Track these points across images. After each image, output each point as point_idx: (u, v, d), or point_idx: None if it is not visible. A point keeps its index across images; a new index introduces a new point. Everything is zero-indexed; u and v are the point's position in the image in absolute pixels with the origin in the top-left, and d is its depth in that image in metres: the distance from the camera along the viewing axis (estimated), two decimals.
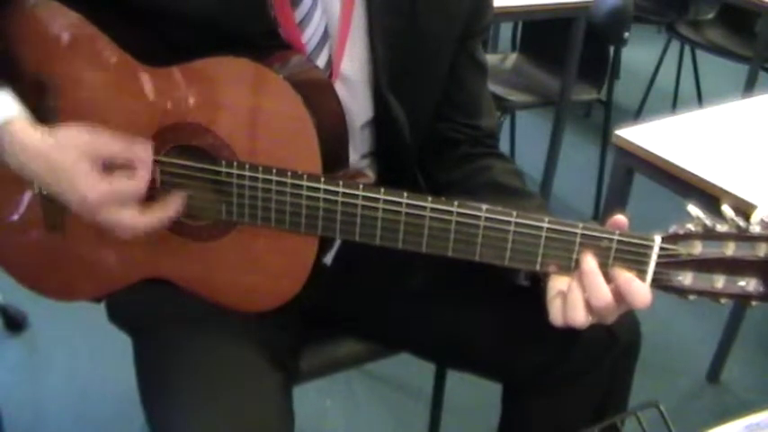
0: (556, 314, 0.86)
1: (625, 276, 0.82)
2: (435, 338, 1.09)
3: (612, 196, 1.49)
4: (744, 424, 0.77)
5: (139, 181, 0.86)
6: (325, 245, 0.94)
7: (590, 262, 0.83)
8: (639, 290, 0.82)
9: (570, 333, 1.00)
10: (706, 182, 1.26)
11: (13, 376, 1.87)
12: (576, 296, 0.84)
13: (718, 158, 1.34)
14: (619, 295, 0.82)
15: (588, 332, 1.00)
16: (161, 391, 0.91)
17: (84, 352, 1.91)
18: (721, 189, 1.24)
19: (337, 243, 1.05)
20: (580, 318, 0.83)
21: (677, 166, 1.31)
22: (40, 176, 0.86)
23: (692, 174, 1.29)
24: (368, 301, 1.09)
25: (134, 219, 0.86)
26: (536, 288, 0.91)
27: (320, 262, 0.96)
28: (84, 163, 0.84)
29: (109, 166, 0.85)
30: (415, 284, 1.08)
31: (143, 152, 0.86)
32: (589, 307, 0.83)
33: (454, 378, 1.38)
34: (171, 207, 0.89)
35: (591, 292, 0.83)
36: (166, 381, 0.91)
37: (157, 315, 0.98)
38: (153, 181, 0.91)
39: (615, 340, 1.02)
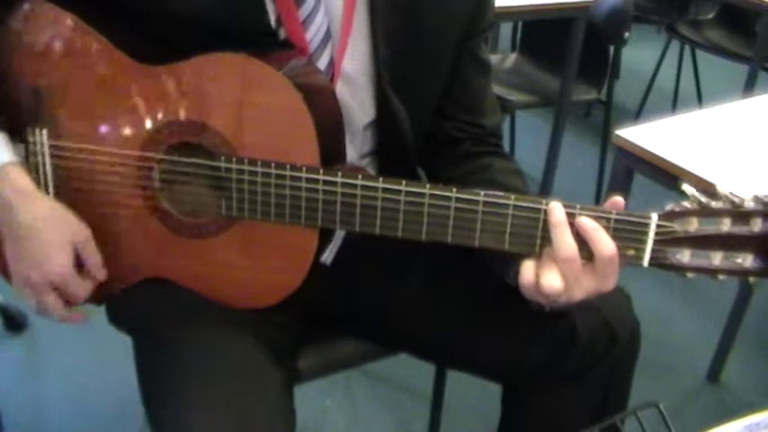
0: (528, 275, 0.86)
1: (592, 224, 0.82)
2: (435, 338, 1.09)
3: (612, 196, 1.48)
4: (744, 424, 0.77)
5: (84, 293, 0.95)
6: (324, 239, 0.94)
7: (558, 215, 0.83)
8: (606, 239, 0.82)
9: (570, 333, 1.00)
10: (706, 182, 1.26)
11: (13, 376, 1.87)
12: (549, 257, 0.84)
13: (718, 158, 1.34)
14: (585, 253, 0.82)
15: (588, 332, 1.01)
16: (163, 390, 0.91)
17: (84, 352, 1.91)
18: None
19: (338, 242, 1.05)
20: (553, 278, 0.83)
21: (677, 166, 1.31)
22: (22, 218, 0.90)
23: (693, 174, 1.29)
24: (368, 300, 1.09)
25: (56, 307, 0.95)
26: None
27: (320, 256, 0.95)
28: (69, 240, 0.92)
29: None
30: (415, 284, 1.08)
31: (99, 276, 0.96)
32: (560, 268, 0.83)
33: (454, 378, 1.38)
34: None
35: (556, 244, 0.83)
36: (168, 380, 0.91)
37: (157, 314, 0.98)
38: (151, 180, 0.92)
39: (615, 340, 1.02)
